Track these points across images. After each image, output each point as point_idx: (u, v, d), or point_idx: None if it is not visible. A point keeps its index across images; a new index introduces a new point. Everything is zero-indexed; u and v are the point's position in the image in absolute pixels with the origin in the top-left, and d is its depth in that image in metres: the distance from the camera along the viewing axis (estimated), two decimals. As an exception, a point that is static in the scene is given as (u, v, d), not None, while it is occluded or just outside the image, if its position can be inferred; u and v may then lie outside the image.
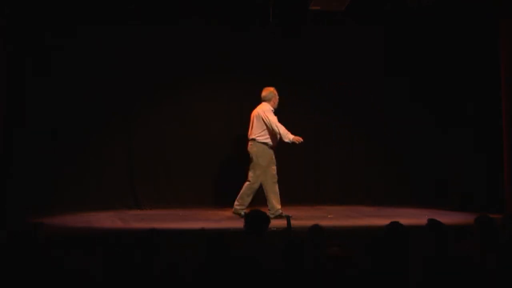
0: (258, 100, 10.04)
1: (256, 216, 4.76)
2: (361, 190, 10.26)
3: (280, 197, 9.57)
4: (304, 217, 8.01)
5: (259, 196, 9.47)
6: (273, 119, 8.38)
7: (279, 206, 8.29)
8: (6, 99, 8.44)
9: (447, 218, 6.92)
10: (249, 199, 8.44)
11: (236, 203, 8.44)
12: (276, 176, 8.45)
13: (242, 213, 8.15)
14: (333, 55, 10.07)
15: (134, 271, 3.79)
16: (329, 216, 8.55)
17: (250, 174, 8.48)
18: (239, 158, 10.00)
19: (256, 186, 8.43)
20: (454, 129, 9.64)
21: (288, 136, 8.36)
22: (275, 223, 5.08)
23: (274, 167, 8.46)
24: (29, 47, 8.78)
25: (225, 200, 9.54)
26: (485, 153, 9.16)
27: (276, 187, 8.40)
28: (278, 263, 3.92)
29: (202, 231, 4.82)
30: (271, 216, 7.72)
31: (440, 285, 3.84)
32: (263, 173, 8.39)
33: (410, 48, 10.15)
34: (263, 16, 9.15)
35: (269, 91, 8.54)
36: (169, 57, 9.50)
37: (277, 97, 8.55)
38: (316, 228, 4.85)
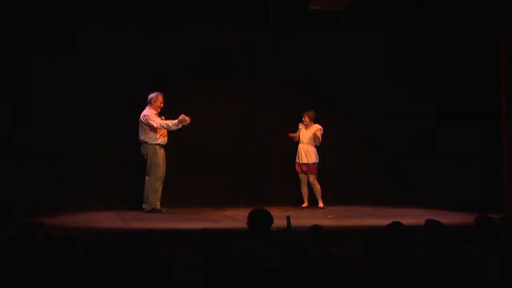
0: (258, 100, 10.09)
1: (260, 215, 4.75)
2: (361, 190, 10.27)
3: (281, 197, 9.59)
4: (304, 217, 8.00)
5: (262, 196, 9.50)
6: (157, 122, 8.80)
7: (158, 202, 8.86)
8: (6, 99, 8.44)
9: (447, 218, 6.92)
10: (154, 196, 8.86)
11: (143, 204, 8.84)
12: (163, 176, 8.90)
13: (156, 208, 8.79)
14: (333, 55, 10.08)
15: (133, 271, 3.79)
16: (329, 216, 8.55)
17: (149, 172, 8.88)
18: (240, 158, 10.03)
19: (158, 182, 8.88)
20: (454, 129, 9.64)
21: (174, 123, 8.83)
22: (275, 223, 5.06)
23: (164, 167, 8.92)
24: (29, 46, 8.79)
25: (225, 200, 9.55)
26: (485, 153, 9.16)
27: (160, 185, 8.89)
28: (278, 263, 3.92)
29: (205, 231, 4.81)
30: (146, 209, 8.75)
31: (440, 285, 3.83)
32: (158, 169, 8.83)
33: (410, 48, 10.17)
34: (263, 16, 9.15)
35: (151, 96, 8.93)
36: (168, 57, 9.51)
37: (159, 101, 8.91)
38: (316, 228, 4.85)
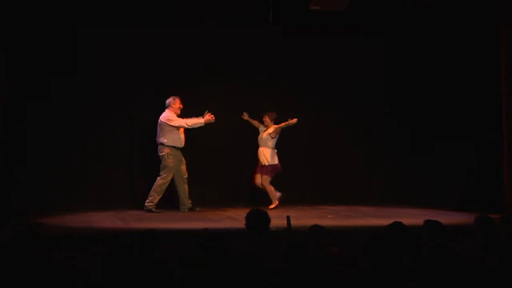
0: (258, 100, 10.08)
1: (258, 216, 4.75)
2: (361, 190, 10.26)
3: (283, 197, 9.56)
4: (304, 217, 8.00)
5: (262, 196, 9.49)
6: (178, 122, 8.98)
7: (189, 201, 9.04)
8: (7, 98, 8.44)
9: (447, 218, 6.92)
10: (159, 197, 8.93)
11: (147, 200, 8.88)
12: (186, 174, 9.06)
13: (153, 209, 8.82)
14: (333, 55, 10.08)
15: (133, 271, 3.79)
16: (329, 216, 8.55)
17: (161, 173, 8.96)
18: (240, 159, 10.02)
19: (165, 185, 8.94)
20: (454, 129, 9.64)
21: (200, 121, 9.04)
22: (275, 223, 5.07)
23: (183, 167, 9.06)
24: (29, 46, 8.79)
25: (225, 200, 9.54)
26: (485, 153, 9.15)
27: (185, 184, 9.04)
28: (278, 263, 3.92)
29: (205, 231, 4.81)
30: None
31: (440, 285, 3.83)
32: (174, 172, 8.96)
33: (410, 48, 10.16)
34: (263, 16, 9.15)
35: (169, 99, 9.05)
36: (169, 57, 9.50)
37: (178, 103, 9.01)
38: (316, 228, 4.84)
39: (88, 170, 9.23)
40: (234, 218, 7.99)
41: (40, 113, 8.87)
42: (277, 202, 9.25)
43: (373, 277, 3.69)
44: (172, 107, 9.00)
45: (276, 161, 9.42)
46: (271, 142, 9.43)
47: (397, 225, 4.49)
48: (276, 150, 9.45)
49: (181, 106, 9.05)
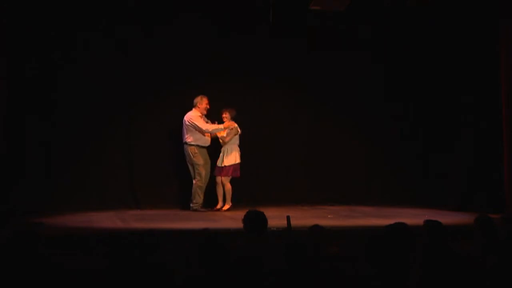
0: (257, 100, 10.08)
1: (255, 217, 4.75)
2: (361, 190, 10.26)
3: (281, 197, 9.55)
4: (304, 217, 8.01)
5: (262, 196, 9.49)
6: (201, 124, 9.04)
7: (201, 201, 9.07)
8: (7, 100, 8.44)
9: (447, 218, 6.92)
10: (201, 196, 9.04)
11: (191, 202, 9.01)
12: (207, 176, 9.15)
13: (199, 209, 8.96)
14: (332, 55, 10.07)
15: (133, 271, 3.79)
16: (329, 216, 8.55)
17: (193, 174, 9.11)
18: (240, 158, 10.01)
19: (203, 183, 9.07)
20: (454, 129, 9.64)
21: (220, 127, 9.18)
22: (274, 223, 5.06)
23: (208, 167, 9.18)
24: (29, 50, 8.79)
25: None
26: (485, 153, 9.15)
27: (203, 185, 9.11)
28: (278, 263, 3.92)
29: (205, 231, 4.80)
30: (193, 208, 8.93)
31: (440, 285, 3.84)
32: (201, 169, 9.05)
33: (409, 48, 10.16)
34: (263, 16, 9.14)
35: (197, 99, 9.10)
36: (168, 58, 9.49)
37: (204, 103, 9.08)
38: (316, 228, 4.84)
39: (88, 170, 9.22)
40: (234, 218, 7.99)
41: (40, 113, 8.87)
42: (230, 204, 9.22)
43: (373, 277, 3.69)
44: (199, 107, 9.09)
45: (239, 160, 9.32)
46: (234, 140, 9.33)
47: (398, 225, 4.48)
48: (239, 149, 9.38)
49: (208, 106, 9.13)
